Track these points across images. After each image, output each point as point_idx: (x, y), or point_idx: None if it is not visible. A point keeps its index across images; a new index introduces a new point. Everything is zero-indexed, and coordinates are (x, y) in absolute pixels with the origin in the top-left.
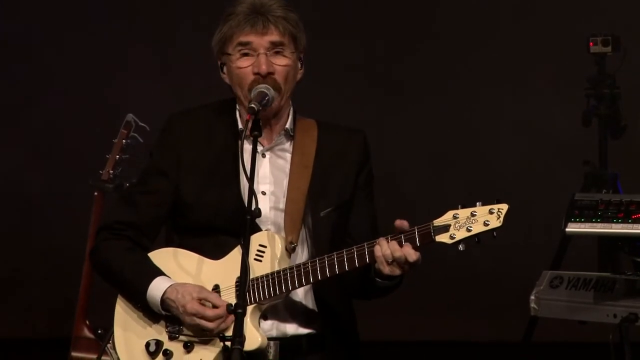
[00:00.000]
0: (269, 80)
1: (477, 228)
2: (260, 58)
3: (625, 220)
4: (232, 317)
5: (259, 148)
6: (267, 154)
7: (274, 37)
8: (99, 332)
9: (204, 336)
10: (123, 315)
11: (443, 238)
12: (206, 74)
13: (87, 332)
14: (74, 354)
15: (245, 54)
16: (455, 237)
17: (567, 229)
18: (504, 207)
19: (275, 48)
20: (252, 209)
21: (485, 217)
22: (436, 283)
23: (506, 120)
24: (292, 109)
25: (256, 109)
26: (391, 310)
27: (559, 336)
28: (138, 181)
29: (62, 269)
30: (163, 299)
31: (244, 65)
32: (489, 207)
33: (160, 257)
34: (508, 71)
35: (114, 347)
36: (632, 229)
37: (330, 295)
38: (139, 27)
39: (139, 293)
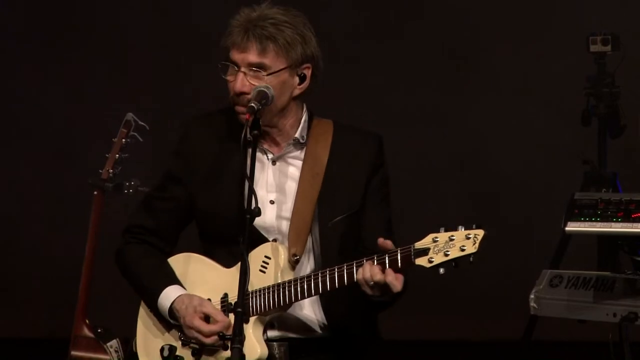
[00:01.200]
0: (242, 99)
1: (454, 253)
2: (238, 76)
3: (625, 219)
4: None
5: (269, 156)
6: (278, 162)
7: (251, 57)
8: (99, 331)
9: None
10: (146, 317)
11: (422, 261)
12: (206, 73)
13: (86, 331)
14: (73, 353)
15: (234, 68)
16: (433, 261)
17: (567, 228)
18: (480, 233)
19: (253, 68)
20: (252, 208)
21: (462, 243)
22: (435, 282)
23: (506, 120)
24: (305, 115)
25: (256, 108)
26: (390, 310)
27: (558, 335)
28: (157, 185)
29: (62, 269)
30: (171, 309)
31: (229, 80)
32: (466, 232)
33: (178, 261)
34: (507, 70)
35: (131, 348)
36: (631, 228)
37: (337, 303)
38: (139, 27)
39: (152, 300)
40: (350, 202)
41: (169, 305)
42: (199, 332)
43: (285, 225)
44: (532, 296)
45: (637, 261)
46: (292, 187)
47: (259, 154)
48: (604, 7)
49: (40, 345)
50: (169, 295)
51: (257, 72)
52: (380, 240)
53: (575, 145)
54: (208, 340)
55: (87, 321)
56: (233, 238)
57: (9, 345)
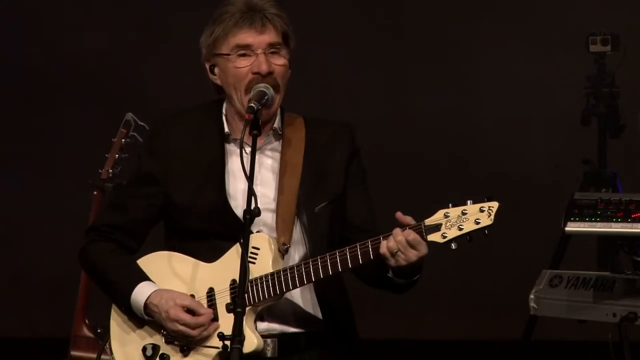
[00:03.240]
0: (269, 79)
1: (469, 226)
2: (260, 57)
3: (624, 219)
4: (214, 326)
5: (248, 149)
6: (256, 155)
7: (271, 37)
8: (99, 330)
9: (192, 341)
10: (119, 320)
11: (435, 237)
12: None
13: (86, 331)
14: (73, 352)
15: (243, 55)
16: (447, 236)
17: (566, 228)
18: (495, 205)
19: (272, 48)
20: (252, 207)
21: (476, 216)
22: (436, 282)
23: (506, 119)
24: (280, 107)
25: (256, 108)
26: (390, 309)
27: (558, 335)
28: (127, 184)
29: (61, 269)
30: (146, 304)
31: (243, 65)
32: (479, 205)
33: (154, 260)
34: (507, 70)
35: (111, 352)
36: (631, 228)
37: (329, 293)
38: (138, 26)
39: (123, 297)
40: (332, 187)
41: (144, 301)
42: (185, 324)
43: (268, 217)
44: (532, 296)
45: (637, 261)
46: (272, 178)
47: (237, 149)
48: (604, 7)
49: (40, 345)
50: (143, 291)
51: (278, 51)
52: (399, 214)
53: (575, 145)
54: (194, 333)
55: (87, 321)
56: (212, 232)
57: (9, 345)
